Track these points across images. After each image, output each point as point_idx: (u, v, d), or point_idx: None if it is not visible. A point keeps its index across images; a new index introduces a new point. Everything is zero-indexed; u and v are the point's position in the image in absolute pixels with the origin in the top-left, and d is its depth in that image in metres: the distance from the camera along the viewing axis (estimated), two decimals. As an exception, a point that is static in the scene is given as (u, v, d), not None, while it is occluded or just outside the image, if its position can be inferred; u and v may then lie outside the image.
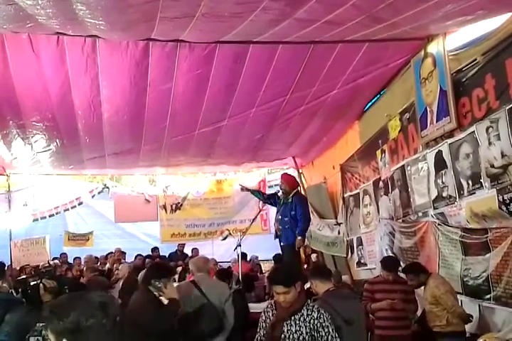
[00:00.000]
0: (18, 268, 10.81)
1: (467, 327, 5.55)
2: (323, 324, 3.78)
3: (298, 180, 10.89)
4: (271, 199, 9.12)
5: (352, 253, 9.51)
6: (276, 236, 8.49)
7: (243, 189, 10.17)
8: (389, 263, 6.16)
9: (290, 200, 8.17)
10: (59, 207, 13.38)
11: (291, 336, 3.79)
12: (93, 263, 11.58)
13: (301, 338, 3.77)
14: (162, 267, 5.26)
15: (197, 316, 5.21)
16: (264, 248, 11.98)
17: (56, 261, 11.79)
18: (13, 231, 11.92)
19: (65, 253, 12.80)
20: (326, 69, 6.84)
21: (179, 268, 10.30)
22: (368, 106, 8.48)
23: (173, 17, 4.83)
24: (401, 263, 6.54)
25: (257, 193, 9.70)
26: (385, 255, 7.44)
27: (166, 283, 4.67)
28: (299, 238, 7.88)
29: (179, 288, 5.57)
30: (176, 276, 10.17)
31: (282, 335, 3.80)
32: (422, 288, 5.80)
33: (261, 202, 11.34)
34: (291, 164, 12.05)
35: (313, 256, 11.12)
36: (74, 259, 12.36)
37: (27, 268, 10.55)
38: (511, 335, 4.70)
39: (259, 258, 12.79)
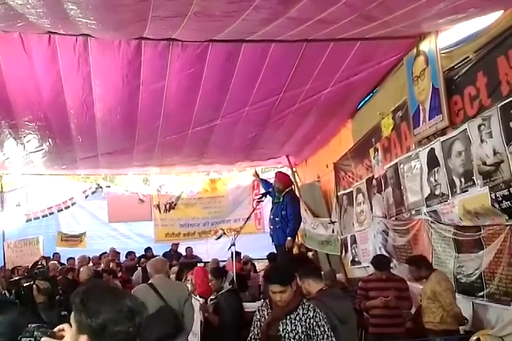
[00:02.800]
0: (10, 268, 10.77)
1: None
2: (319, 323, 3.78)
3: (292, 178, 10.89)
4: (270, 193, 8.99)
5: (346, 251, 9.52)
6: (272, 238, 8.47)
7: (256, 175, 9.98)
8: (380, 262, 6.17)
9: (281, 200, 8.15)
10: (52, 207, 13.34)
11: (286, 335, 3.80)
12: (86, 264, 11.52)
13: (296, 337, 3.78)
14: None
15: (151, 320, 5.19)
16: (259, 247, 11.96)
17: (54, 262, 11.72)
18: (6, 232, 11.88)
19: (57, 253, 12.73)
20: (318, 67, 6.83)
21: (175, 268, 10.27)
22: (360, 105, 8.49)
23: (165, 16, 4.82)
24: (394, 260, 6.55)
25: (263, 183, 9.59)
26: (379, 253, 7.45)
27: None
28: (289, 239, 7.85)
29: (136, 292, 5.51)
30: (173, 276, 10.15)
31: (278, 334, 3.80)
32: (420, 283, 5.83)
33: (255, 201, 11.33)
34: (284, 163, 12.05)
35: (309, 255, 11.11)
36: (67, 260, 12.29)
37: (19, 269, 10.50)
38: (504, 332, 4.71)
39: (253, 257, 12.77)
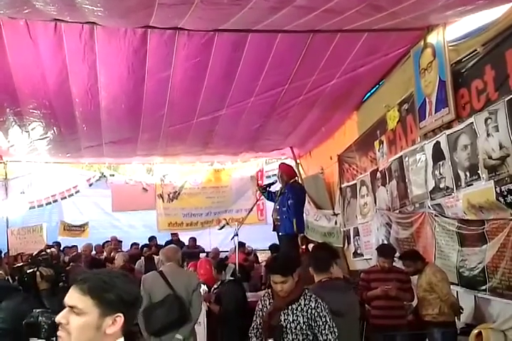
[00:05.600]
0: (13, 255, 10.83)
1: (462, 317, 5.59)
2: (321, 313, 3.79)
3: (295, 170, 10.87)
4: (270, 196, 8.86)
5: (348, 243, 9.54)
6: (274, 228, 8.44)
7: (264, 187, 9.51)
8: (385, 250, 6.21)
9: (286, 190, 8.13)
10: (56, 195, 13.35)
11: (288, 325, 3.80)
12: (90, 252, 11.60)
13: (298, 327, 3.78)
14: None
15: (158, 308, 5.26)
16: (261, 238, 12.00)
17: (53, 249, 11.78)
18: (10, 219, 11.91)
19: (57, 242, 12.74)
20: (325, 58, 6.80)
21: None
22: (366, 97, 8.45)
23: (172, 4, 4.80)
24: (397, 253, 6.55)
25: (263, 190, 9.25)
26: (382, 244, 7.46)
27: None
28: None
29: (145, 279, 5.58)
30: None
31: (279, 324, 3.81)
32: (416, 276, 5.83)
33: (258, 192, 11.29)
34: (288, 154, 12.03)
35: (311, 246, 11.12)
36: (64, 248, 12.30)
37: (23, 255, 10.55)
38: (506, 326, 4.72)
39: (255, 248, 12.82)
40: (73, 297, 1.86)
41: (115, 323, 1.84)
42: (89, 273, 1.94)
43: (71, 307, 1.85)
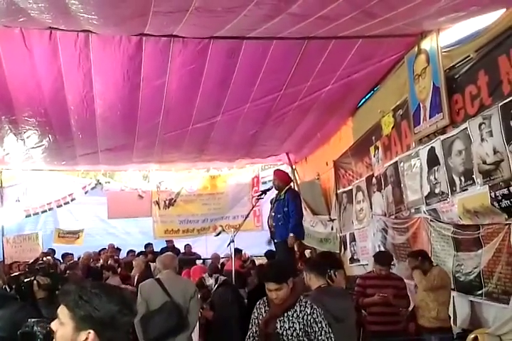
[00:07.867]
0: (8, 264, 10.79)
1: (458, 322, 5.58)
2: (317, 319, 3.78)
3: (291, 176, 10.88)
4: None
5: (345, 249, 9.53)
6: (271, 235, 8.42)
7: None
8: (382, 257, 6.20)
9: (283, 197, 8.11)
10: (52, 203, 13.30)
11: (284, 332, 3.79)
12: (88, 260, 11.56)
13: (294, 334, 3.77)
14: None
15: (155, 315, 5.25)
16: (257, 244, 11.96)
17: (49, 257, 11.72)
18: (5, 227, 11.87)
19: (52, 249, 12.66)
20: (319, 65, 6.83)
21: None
22: (361, 103, 8.49)
23: (167, 11, 4.82)
24: (394, 258, 6.56)
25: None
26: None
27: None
28: (291, 235, 7.77)
29: (143, 287, 5.56)
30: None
31: (276, 332, 3.80)
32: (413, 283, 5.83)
33: (254, 199, 11.28)
34: (284, 160, 12.05)
35: (307, 252, 11.12)
36: (63, 256, 12.23)
37: (20, 265, 10.50)
38: (502, 331, 4.71)
39: (252, 254, 12.78)
40: (60, 307, 1.89)
41: (88, 340, 1.84)
42: (74, 285, 1.94)
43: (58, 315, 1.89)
